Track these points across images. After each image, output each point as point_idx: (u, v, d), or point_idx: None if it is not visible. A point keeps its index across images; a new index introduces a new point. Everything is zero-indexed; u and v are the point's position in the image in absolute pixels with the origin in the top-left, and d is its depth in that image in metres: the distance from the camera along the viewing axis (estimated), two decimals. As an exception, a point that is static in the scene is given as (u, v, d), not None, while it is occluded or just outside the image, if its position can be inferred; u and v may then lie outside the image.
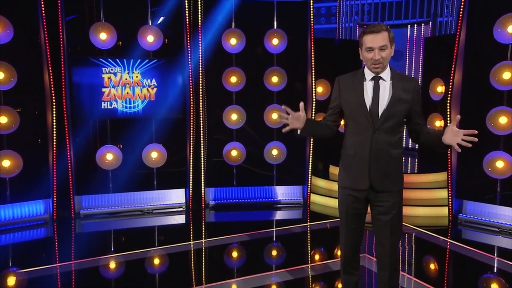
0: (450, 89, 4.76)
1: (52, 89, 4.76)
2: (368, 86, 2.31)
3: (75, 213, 5.08)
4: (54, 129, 4.83)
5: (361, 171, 2.31)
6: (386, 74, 2.31)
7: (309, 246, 4.43)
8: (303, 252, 4.22)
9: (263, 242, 4.41)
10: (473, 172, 4.77)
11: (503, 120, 4.47)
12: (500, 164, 4.54)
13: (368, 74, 2.33)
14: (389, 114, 2.25)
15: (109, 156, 5.16)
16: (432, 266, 3.98)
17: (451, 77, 4.72)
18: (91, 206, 5.23)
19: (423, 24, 8.83)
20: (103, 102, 5.09)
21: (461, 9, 4.62)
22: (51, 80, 4.74)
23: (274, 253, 4.27)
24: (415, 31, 8.38)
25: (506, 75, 4.41)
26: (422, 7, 10.23)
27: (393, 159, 2.30)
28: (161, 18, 5.25)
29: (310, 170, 5.60)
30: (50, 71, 4.73)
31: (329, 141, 6.62)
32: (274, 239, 4.54)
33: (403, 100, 2.26)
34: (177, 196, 5.54)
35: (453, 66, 4.70)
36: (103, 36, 4.97)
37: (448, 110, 4.82)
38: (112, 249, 4.30)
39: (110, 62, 5.08)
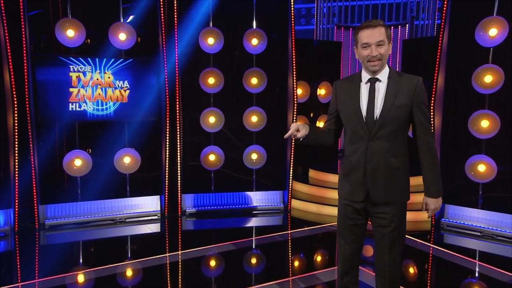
0: (433, 93, 4.71)
1: (14, 89, 4.38)
2: (364, 90, 2.14)
3: (39, 224, 4.71)
4: (16, 133, 4.45)
5: (357, 182, 2.16)
6: (384, 74, 2.13)
7: (295, 255, 4.25)
8: (290, 262, 4.04)
9: (245, 252, 4.20)
10: (455, 176, 4.73)
11: (485, 123, 4.44)
12: (482, 168, 4.52)
13: (365, 76, 2.16)
14: (385, 121, 2.08)
15: (78, 162, 4.81)
16: (415, 272, 3.87)
17: (435, 80, 4.66)
18: (58, 216, 4.86)
19: (399, 27, 8.88)
20: (70, 104, 4.75)
21: (444, 12, 4.57)
22: (12, 80, 4.36)
23: (257, 264, 4.06)
24: (391, 34, 8.40)
25: (487, 79, 4.39)
26: (398, 10, 10.33)
27: (393, 168, 2.12)
28: (131, 17, 4.95)
29: (291, 175, 5.44)
30: (11, 70, 4.35)
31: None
32: (256, 249, 4.33)
33: (400, 105, 2.08)
34: (151, 203, 5.26)
35: (436, 69, 4.65)
36: (70, 33, 4.63)
37: (432, 113, 4.76)
38: (81, 264, 3.97)
39: (79, 61, 4.74)
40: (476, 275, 3.72)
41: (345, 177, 2.24)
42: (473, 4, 4.54)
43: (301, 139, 2.11)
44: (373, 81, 2.13)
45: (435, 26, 8.78)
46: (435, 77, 4.66)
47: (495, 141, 4.46)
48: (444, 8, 4.58)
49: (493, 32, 4.33)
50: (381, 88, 2.11)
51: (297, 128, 2.08)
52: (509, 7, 4.31)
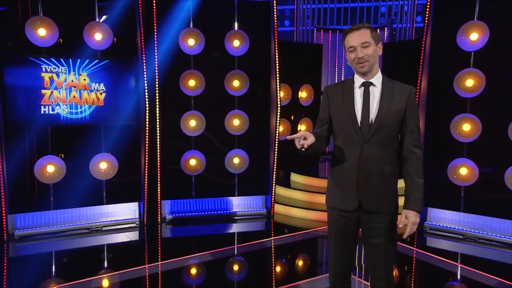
0: (417, 96, 4.71)
1: (-20, 91, 4.11)
2: (358, 95, 2.09)
3: (8, 234, 4.43)
4: (-18, 138, 4.18)
5: (349, 189, 2.08)
6: (377, 79, 2.09)
7: (281, 264, 4.14)
8: (276, 271, 3.93)
9: (229, 261, 4.06)
10: (437, 179, 4.75)
11: (466, 127, 4.47)
12: (463, 171, 4.55)
13: (358, 80, 2.11)
14: (380, 126, 2.03)
15: (50, 168, 4.56)
16: (399, 276, 3.84)
17: (418, 84, 4.67)
18: (28, 226, 4.59)
19: (378, 30, 8.95)
20: (42, 107, 4.49)
21: (426, 16, 4.58)
22: (-22, 81, 4.09)
23: (242, 274, 3.93)
24: (379, 36, 8.43)
25: (469, 82, 4.42)
26: (376, 13, 10.43)
27: (385, 176, 2.07)
28: (104, 17, 4.74)
29: (274, 179, 5.34)
30: (-23, 71, 4.08)
31: (290, 147, 6.42)
32: (241, 257, 4.19)
33: (394, 110, 2.04)
34: (129, 210, 5.05)
35: (419, 73, 4.66)
36: (41, 32, 4.38)
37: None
38: (54, 277, 3.74)
39: (52, 62, 4.49)
40: (459, 278, 3.72)
41: (335, 185, 2.15)
42: (455, 9, 4.57)
43: (305, 148, 1.95)
44: (367, 85, 2.08)
45: (413, 30, 8.89)
46: (419, 81, 4.67)
47: (477, 145, 4.50)
48: (427, 12, 4.59)
49: (474, 36, 4.37)
50: (375, 93, 2.08)
51: (304, 136, 1.93)
52: (489, 12, 4.36)
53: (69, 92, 4.59)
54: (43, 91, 4.49)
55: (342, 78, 7.99)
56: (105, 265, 4.03)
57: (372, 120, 2.04)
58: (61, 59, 4.52)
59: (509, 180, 4.29)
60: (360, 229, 2.19)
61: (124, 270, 3.69)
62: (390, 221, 2.11)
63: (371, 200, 2.07)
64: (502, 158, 4.40)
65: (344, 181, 2.10)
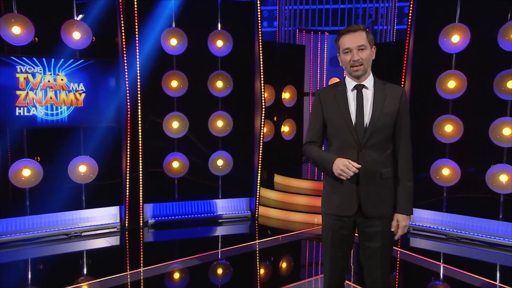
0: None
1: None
2: (351, 97, 2.05)
3: (-19, 242, 4.24)
4: (-47, 141, 3.98)
5: (349, 195, 2.04)
6: (369, 81, 2.06)
7: (268, 267, 4.08)
8: (263, 275, 3.87)
9: (214, 266, 3.97)
10: (420, 180, 4.79)
11: (448, 128, 4.53)
12: (446, 171, 4.60)
13: (350, 83, 2.08)
14: (375, 129, 2.00)
15: (26, 172, 4.38)
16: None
17: (402, 86, 4.69)
18: (3, 233, 4.39)
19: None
20: (17, 108, 4.31)
21: (409, 18, 4.62)
22: None
23: (227, 279, 3.86)
24: (373, 38, 8.49)
25: (451, 84, 4.48)
26: (357, 15, 10.53)
27: (384, 180, 2.04)
28: (81, 16, 4.59)
29: (259, 181, 5.29)
30: None
31: (274, 148, 6.32)
32: (226, 261, 4.12)
33: (388, 112, 2.02)
34: (110, 214, 4.91)
35: (403, 74, 4.69)
36: (16, 30, 4.21)
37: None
38: (30, 285, 3.58)
39: (27, 61, 4.32)
40: (442, 277, 3.75)
41: (332, 191, 2.10)
42: (436, 11, 4.62)
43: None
44: (359, 88, 2.05)
45: (394, 32, 9.01)
46: (402, 82, 4.71)
47: (459, 145, 4.56)
48: (410, 15, 4.63)
49: (455, 38, 4.43)
50: (368, 95, 2.05)
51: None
52: (471, 14, 4.42)
53: (45, 93, 4.42)
54: (18, 92, 4.31)
55: (325, 79, 8.00)
56: (85, 272, 3.88)
57: (367, 123, 2.01)
58: (39, 59, 4.36)
59: (490, 180, 4.36)
60: (356, 233, 2.16)
61: (105, 278, 3.57)
62: (388, 224, 2.09)
63: (372, 205, 2.04)
64: (484, 158, 4.47)
65: (342, 187, 2.05)
